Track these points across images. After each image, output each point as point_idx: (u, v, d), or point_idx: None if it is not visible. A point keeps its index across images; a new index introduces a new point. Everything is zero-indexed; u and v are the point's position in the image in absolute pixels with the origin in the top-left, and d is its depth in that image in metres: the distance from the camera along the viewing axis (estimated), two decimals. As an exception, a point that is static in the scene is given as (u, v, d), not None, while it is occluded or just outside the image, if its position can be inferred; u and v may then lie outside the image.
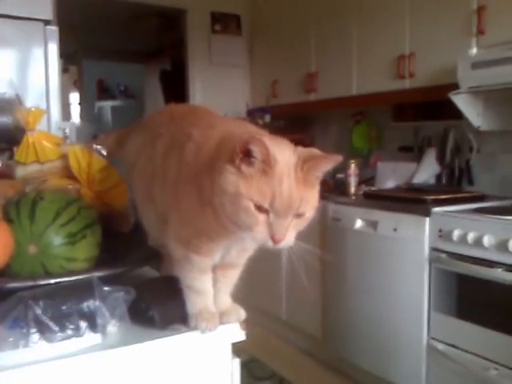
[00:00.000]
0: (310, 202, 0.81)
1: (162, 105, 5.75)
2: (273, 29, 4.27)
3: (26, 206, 1.05)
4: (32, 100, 2.28)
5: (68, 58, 6.70)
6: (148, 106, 6.61)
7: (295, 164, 0.79)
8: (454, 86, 2.62)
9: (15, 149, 1.38)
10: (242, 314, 0.98)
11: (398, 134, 3.60)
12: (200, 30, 4.40)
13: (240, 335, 0.96)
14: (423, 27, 2.95)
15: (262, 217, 0.78)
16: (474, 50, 2.64)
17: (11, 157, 1.40)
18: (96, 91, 7.39)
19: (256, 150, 0.77)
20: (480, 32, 2.61)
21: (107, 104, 7.51)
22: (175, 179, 0.92)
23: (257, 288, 3.62)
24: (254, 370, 3.17)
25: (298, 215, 0.80)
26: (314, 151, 0.83)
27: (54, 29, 2.41)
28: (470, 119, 2.73)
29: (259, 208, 0.78)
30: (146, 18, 5.23)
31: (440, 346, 2.45)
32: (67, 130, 2.47)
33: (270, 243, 0.80)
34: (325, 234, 3.04)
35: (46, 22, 2.37)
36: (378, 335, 2.78)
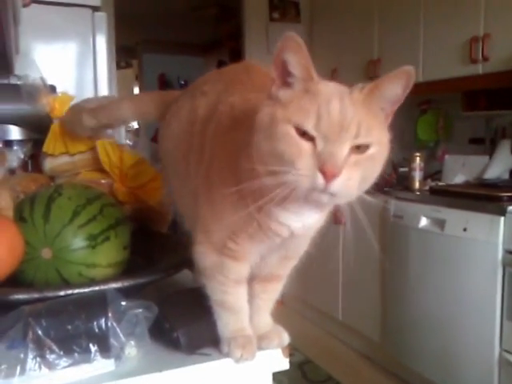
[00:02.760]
0: (373, 130, 0.62)
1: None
2: (333, 15, 4.13)
3: (42, 204, 0.92)
4: (78, 89, 2.21)
5: (129, 52, 6.75)
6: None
7: (351, 89, 0.63)
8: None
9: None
10: (286, 338, 0.81)
11: (468, 124, 3.41)
12: (258, 18, 4.31)
13: (283, 363, 0.80)
14: (500, 5, 2.72)
15: (307, 144, 0.60)
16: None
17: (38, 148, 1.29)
18: (157, 85, 7.41)
19: (293, 61, 0.62)
20: None
21: (169, 98, 7.54)
22: (210, 160, 0.76)
23: (313, 286, 3.52)
24: (308, 372, 3.09)
25: (359, 148, 0.61)
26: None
27: (102, 15, 2.32)
28: (553, 107, 2.48)
29: (303, 135, 0.60)
30: (204, 9, 5.20)
31: (514, 359, 2.26)
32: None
33: (319, 181, 0.59)
34: (386, 233, 2.88)
35: (95, 9, 2.28)
36: (442, 342, 2.62)
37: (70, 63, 2.35)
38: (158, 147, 0.99)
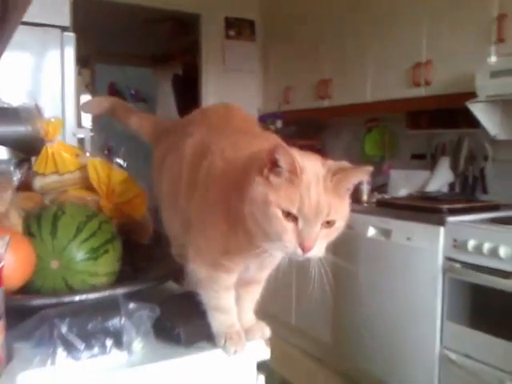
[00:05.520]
0: (339, 211, 0.79)
1: (174, 109, 5.77)
2: (287, 35, 4.27)
3: (48, 221, 1.04)
4: (47, 105, 2.29)
5: (81, 61, 6.72)
6: (159, 109, 6.63)
7: (324, 175, 0.79)
8: (471, 95, 2.61)
9: (33, 159, 1.38)
10: (267, 331, 0.97)
11: (411, 141, 3.60)
12: (214, 35, 4.42)
13: (265, 353, 0.96)
14: (441, 35, 2.94)
15: (290, 225, 0.77)
16: (493, 59, 2.63)
17: (29, 167, 1.40)
18: (107, 94, 7.42)
19: (282, 159, 0.77)
20: (500, 40, 2.59)
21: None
22: (202, 196, 0.91)
23: (266, 293, 3.63)
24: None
25: (328, 224, 0.79)
26: (345, 164, 0.82)
27: (71, 35, 2.43)
28: (487, 128, 2.72)
29: (288, 216, 0.77)
30: (159, 23, 5.24)
31: (453, 356, 2.44)
32: (81, 136, 2.48)
33: (299, 252, 0.78)
34: (337, 241, 3.00)
35: (64, 29, 2.39)
36: (389, 343, 2.77)
37: (38, 78, 2.44)
38: (152, 179, 1.16)
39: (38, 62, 2.42)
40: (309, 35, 3.98)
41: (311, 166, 0.79)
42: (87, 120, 3.18)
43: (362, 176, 0.82)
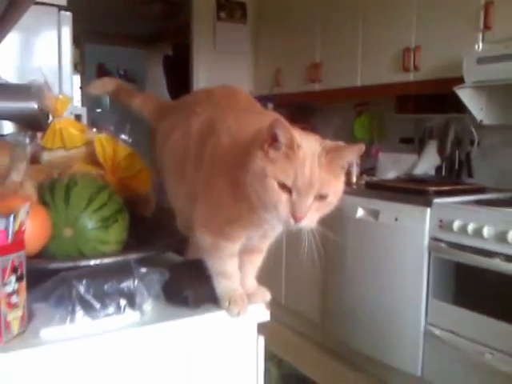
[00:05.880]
0: (331, 186, 0.86)
1: (164, 89, 5.79)
2: (278, 18, 4.29)
3: (61, 191, 1.10)
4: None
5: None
6: (148, 90, 6.63)
7: (319, 153, 0.85)
8: (458, 80, 2.67)
9: (38, 134, 1.43)
10: (268, 295, 1.05)
11: (399, 125, 3.66)
12: (205, 16, 4.42)
13: (265, 315, 1.03)
14: (430, 21, 3.00)
15: (285, 196, 0.84)
16: (480, 45, 2.69)
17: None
18: (95, 75, 7.39)
19: (281, 134, 0.84)
20: (486, 27, 2.66)
21: (106, 88, 7.51)
22: (209, 168, 0.98)
23: (258, 274, 3.70)
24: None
25: (320, 197, 0.85)
26: (340, 143, 0.89)
27: (67, 14, 2.45)
28: (474, 113, 2.79)
29: (283, 188, 0.84)
30: (150, 3, 5.23)
31: (437, 332, 2.54)
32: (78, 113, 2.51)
33: (291, 221, 0.85)
34: (327, 221, 3.07)
35: (60, 8, 2.41)
36: (376, 320, 2.86)
37: (35, 57, 2.46)
38: (157, 154, 1.22)
39: (34, 40, 2.45)
40: (299, 18, 4.01)
41: (308, 143, 0.86)
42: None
43: (355, 154, 0.88)
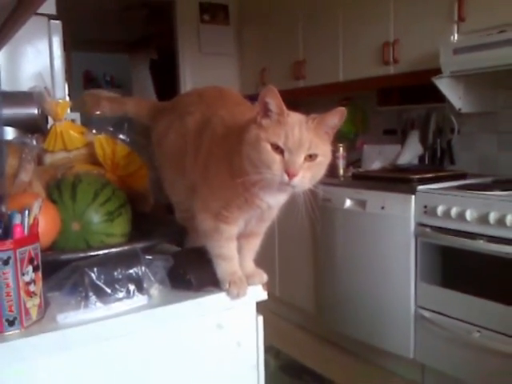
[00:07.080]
0: (319, 147, 0.95)
1: (151, 93, 5.84)
2: (261, 18, 4.37)
3: (68, 188, 1.18)
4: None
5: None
6: (135, 95, 6.68)
7: (306, 119, 0.96)
8: (437, 71, 2.76)
9: (35, 136, 1.50)
10: (265, 276, 1.14)
11: (382, 117, 3.76)
12: (189, 20, 4.49)
13: (263, 295, 1.12)
14: (407, 15, 3.10)
15: (278, 157, 0.93)
16: (456, 37, 2.79)
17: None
18: (82, 82, 7.43)
19: (271, 102, 0.94)
20: (461, 19, 2.76)
21: (94, 94, 7.53)
22: (207, 156, 1.07)
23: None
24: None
25: (310, 157, 0.94)
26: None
27: (57, 23, 2.50)
28: (452, 102, 2.88)
29: (276, 149, 0.93)
30: (134, 9, 5.28)
31: (427, 314, 2.63)
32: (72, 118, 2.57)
33: (285, 178, 0.93)
34: (316, 214, 3.16)
35: (50, 17, 2.46)
36: (368, 307, 2.95)
37: (27, 66, 2.52)
38: (155, 151, 1.30)
39: (26, 50, 2.49)
40: (282, 18, 4.09)
41: (295, 114, 0.98)
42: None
43: (337, 117, 0.97)
